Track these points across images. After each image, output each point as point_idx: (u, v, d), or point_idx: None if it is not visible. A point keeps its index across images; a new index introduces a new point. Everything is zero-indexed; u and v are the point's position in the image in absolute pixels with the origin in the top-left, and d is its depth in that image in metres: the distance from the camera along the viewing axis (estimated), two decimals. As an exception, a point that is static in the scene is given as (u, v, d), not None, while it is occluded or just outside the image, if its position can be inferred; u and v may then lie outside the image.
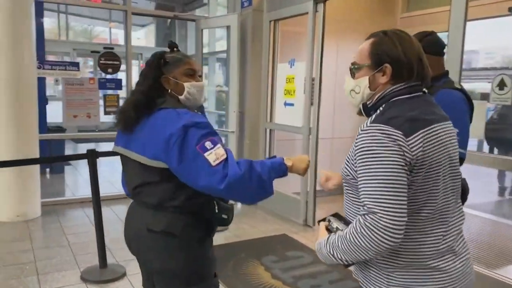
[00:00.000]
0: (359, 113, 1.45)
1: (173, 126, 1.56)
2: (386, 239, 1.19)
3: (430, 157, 1.29)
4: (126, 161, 1.75)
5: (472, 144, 2.58)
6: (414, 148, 1.25)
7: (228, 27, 5.49)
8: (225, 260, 3.71)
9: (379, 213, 1.20)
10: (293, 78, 4.88)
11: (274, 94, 5.21)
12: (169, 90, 1.72)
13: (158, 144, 1.57)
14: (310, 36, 4.53)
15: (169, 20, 13.08)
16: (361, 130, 1.29)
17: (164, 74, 1.72)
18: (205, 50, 10.83)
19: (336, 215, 1.55)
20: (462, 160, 1.88)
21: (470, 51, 9.48)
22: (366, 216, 1.22)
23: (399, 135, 1.24)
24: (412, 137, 1.25)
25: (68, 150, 8.25)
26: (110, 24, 14.47)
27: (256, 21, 5.28)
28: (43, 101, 6.70)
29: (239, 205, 5.47)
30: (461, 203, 1.47)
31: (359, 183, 1.28)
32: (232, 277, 3.41)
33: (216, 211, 1.72)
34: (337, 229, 1.44)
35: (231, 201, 1.80)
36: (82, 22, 16.35)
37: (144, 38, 17.47)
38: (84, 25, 17.13)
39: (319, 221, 1.56)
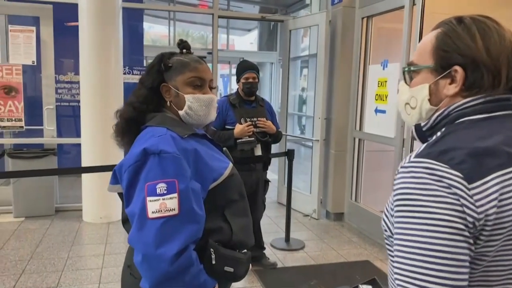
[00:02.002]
0: (414, 137, 0.99)
1: (137, 147, 1.24)
2: None
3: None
4: None
5: None
6: (483, 201, 0.77)
7: (317, 27, 5.07)
8: (292, 286, 3.30)
9: None
10: (385, 81, 4.28)
11: (365, 99, 4.65)
12: (169, 102, 1.39)
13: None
14: (406, 34, 3.91)
15: (272, 24, 12.98)
16: (401, 167, 0.85)
17: (165, 82, 1.39)
18: (305, 53, 10.52)
19: (373, 283, 1.10)
20: None
21: None
22: None
23: (456, 178, 0.78)
24: (479, 183, 0.78)
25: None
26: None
27: (347, 18, 4.76)
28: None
29: (323, 221, 4.99)
30: None
31: (393, 246, 0.84)
32: (296, 309, 3.00)
33: (214, 262, 1.27)
34: None
35: (242, 240, 1.39)
36: (197, 29, 17.11)
37: (256, 42, 17.76)
38: (201, 32, 17.95)
39: None
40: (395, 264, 0.82)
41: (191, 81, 1.38)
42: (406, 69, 0.99)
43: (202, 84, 1.39)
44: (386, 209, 0.95)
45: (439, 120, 0.91)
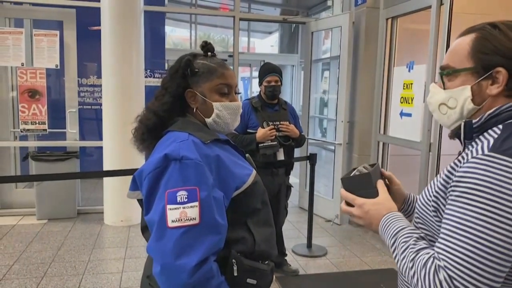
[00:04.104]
0: (453, 135, 1.05)
1: (158, 153, 1.20)
2: None
3: None
4: None
5: None
6: None
7: (340, 29, 4.98)
8: (315, 295, 3.22)
9: (457, 280, 0.84)
10: (411, 83, 4.16)
11: (389, 102, 4.53)
12: (195, 109, 1.34)
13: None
14: (433, 35, 3.79)
15: (293, 26, 12.90)
16: (473, 157, 0.89)
17: (190, 87, 1.33)
18: (326, 55, 10.42)
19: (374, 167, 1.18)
20: None
21: None
22: (441, 271, 0.86)
23: None
24: None
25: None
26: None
27: (370, 20, 4.67)
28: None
29: (345, 226, 4.89)
30: None
31: (443, 224, 0.90)
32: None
33: (236, 273, 1.21)
34: None
35: (265, 251, 1.32)
36: (218, 32, 17.17)
37: (277, 45, 17.72)
38: (222, 35, 18.03)
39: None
40: (443, 243, 0.87)
41: (219, 88, 1.33)
42: (444, 72, 1.03)
43: (229, 91, 1.35)
44: (427, 195, 1.00)
45: (489, 118, 0.95)
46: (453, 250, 0.85)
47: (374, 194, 1.08)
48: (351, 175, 1.12)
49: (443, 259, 0.86)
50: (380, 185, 1.10)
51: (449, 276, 0.84)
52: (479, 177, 0.85)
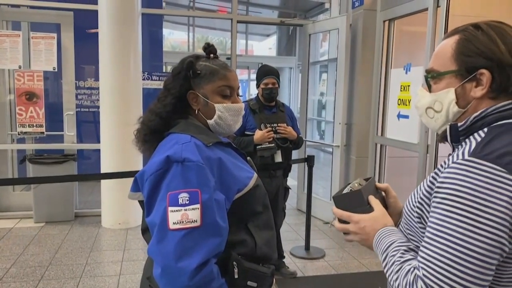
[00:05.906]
0: (442, 139, 1.04)
1: (160, 155, 1.20)
2: None
3: None
4: None
5: None
6: None
7: (337, 31, 4.99)
8: (313, 297, 3.22)
9: None
10: (408, 85, 4.17)
11: (387, 104, 4.54)
12: (196, 111, 1.34)
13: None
14: (430, 37, 3.80)
15: (291, 28, 12.93)
16: (454, 163, 0.88)
17: (192, 89, 1.33)
18: (324, 58, 10.44)
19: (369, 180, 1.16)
20: None
21: None
22: (418, 281, 0.84)
23: None
24: None
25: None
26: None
27: (368, 22, 4.68)
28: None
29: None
30: None
31: (426, 232, 0.89)
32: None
33: (236, 276, 1.21)
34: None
35: (266, 254, 1.32)
36: (216, 35, 17.21)
37: (275, 48, 17.75)
38: (220, 38, 18.07)
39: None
40: (424, 252, 0.86)
41: (221, 90, 1.33)
42: (430, 76, 1.02)
43: (231, 93, 1.35)
44: (412, 200, 1.00)
45: (475, 121, 0.94)
46: (431, 258, 0.84)
47: (367, 210, 1.06)
48: (343, 192, 1.11)
49: (422, 268, 0.84)
50: (373, 200, 1.09)
51: (426, 284, 0.82)
52: (458, 182, 0.84)
